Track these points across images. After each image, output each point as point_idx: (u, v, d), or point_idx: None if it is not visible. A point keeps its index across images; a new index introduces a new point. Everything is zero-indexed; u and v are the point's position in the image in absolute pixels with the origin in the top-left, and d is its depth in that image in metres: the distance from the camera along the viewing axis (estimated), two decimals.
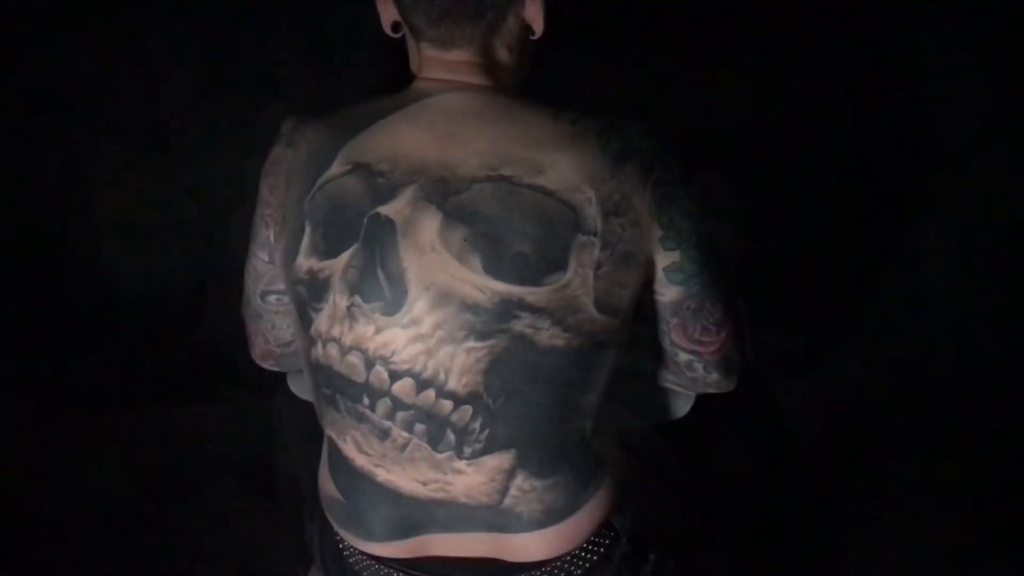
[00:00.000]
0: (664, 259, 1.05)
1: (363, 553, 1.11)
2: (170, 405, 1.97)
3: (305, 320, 1.06)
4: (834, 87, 1.69)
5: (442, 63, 1.06)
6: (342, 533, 1.12)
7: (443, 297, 0.98)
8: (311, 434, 1.39)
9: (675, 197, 1.04)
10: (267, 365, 1.28)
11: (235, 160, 1.16)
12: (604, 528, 1.10)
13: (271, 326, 1.21)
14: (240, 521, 1.93)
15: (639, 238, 1.02)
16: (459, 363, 0.99)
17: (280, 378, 1.35)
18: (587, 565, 1.10)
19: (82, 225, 1.81)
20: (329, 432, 1.10)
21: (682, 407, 1.25)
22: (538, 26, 1.07)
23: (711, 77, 1.62)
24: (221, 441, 1.99)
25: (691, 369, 1.15)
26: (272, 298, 1.18)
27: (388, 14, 1.11)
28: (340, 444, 1.08)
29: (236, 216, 1.22)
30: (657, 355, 1.16)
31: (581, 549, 1.09)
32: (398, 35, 1.12)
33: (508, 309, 0.98)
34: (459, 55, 1.05)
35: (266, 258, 1.14)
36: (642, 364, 1.20)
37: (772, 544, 1.67)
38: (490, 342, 0.98)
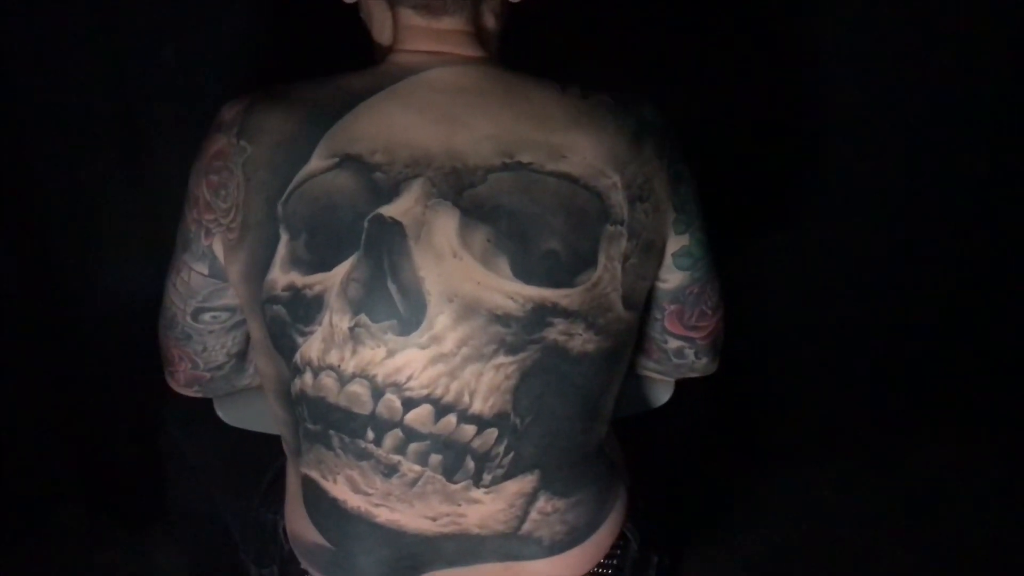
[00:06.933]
0: (673, 244, 0.96)
1: None
2: None
3: (284, 345, 0.88)
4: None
5: (429, 32, 0.90)
6: None
7: (468, 309, 0.84)
8: (228, 471, 1.22)
9: (684, 176, 0.95)
10: (190, 392, 1.08)
11: None
12: (618, 539, 1.02)
13: (201, 348, 1.02)
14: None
15: (659, 224, 0.93)
16: (486, 382, 0.86)
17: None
18: None
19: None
20: (308, 472, 0.93)
21: (662, 395, 1.18)
22: None
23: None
24: None
25: (680, 356, 1.08)
26: (207, 316, 0.99)
27: None
28: (325, 484, 0.92)
29: None
30: (637, 343, 1.08)
31: (599, 565, 1.00)
32: (352, 0, 0.96)
33: (541, 316, 0.85)
34: (450, 23, 0.91)
35: (205, 271, 0.95)
36: None
37: None
38: (521, 355, 0.86)
